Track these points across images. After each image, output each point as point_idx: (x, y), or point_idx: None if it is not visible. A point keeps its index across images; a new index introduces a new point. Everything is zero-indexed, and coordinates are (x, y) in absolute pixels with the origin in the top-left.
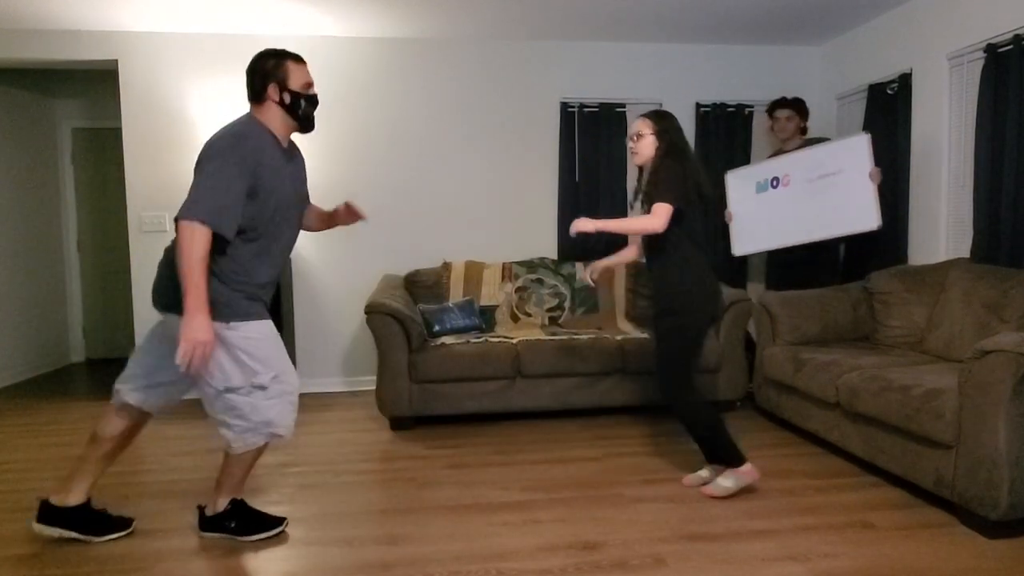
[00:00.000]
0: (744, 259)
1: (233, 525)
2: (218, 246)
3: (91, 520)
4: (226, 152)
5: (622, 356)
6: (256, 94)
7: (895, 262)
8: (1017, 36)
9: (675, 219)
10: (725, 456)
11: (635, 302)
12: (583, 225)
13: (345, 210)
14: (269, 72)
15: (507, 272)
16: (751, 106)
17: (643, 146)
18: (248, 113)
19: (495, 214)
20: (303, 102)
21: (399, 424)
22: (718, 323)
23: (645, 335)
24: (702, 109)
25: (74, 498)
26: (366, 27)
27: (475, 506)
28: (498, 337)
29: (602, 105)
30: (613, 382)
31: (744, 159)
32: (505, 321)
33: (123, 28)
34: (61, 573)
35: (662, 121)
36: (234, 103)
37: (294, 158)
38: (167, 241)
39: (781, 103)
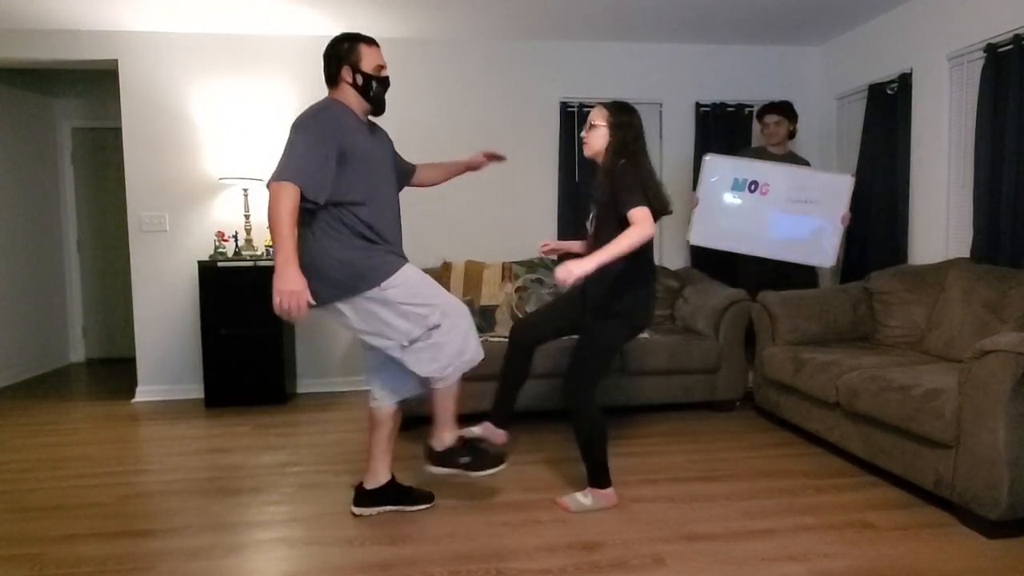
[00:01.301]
0: (739, 258)
1: (466, 460)
2: (341, 221)
3: (401, 494)
4: (307, 124)
5: (621, 356)
6: (331, 77)
7: (895, 262)
8: (1017, 36)
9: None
10: (597, 474)
11: None
12: (582, 269)
13: (484, 157)
14: (343, 55)
15: (507, 272)
16: (751, 106)
17: (594, 137)
18: (327, 96)
19: (495, 214)
20: (375, 84)
21: (399, 424)
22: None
23: (645, 335)
24: (702, 109)
25: (383, 478)
26: (366, 27)
27: (475, 506)
28: (498, 337)
29: None
30: (612, 382)
31: None
32: (505, 321)
33: (123, 28)
34: (61, 573)
35: (619, 115)
36: (234, 103)
37: (376, 132)
38: (167, 241)
39: (769, 108)
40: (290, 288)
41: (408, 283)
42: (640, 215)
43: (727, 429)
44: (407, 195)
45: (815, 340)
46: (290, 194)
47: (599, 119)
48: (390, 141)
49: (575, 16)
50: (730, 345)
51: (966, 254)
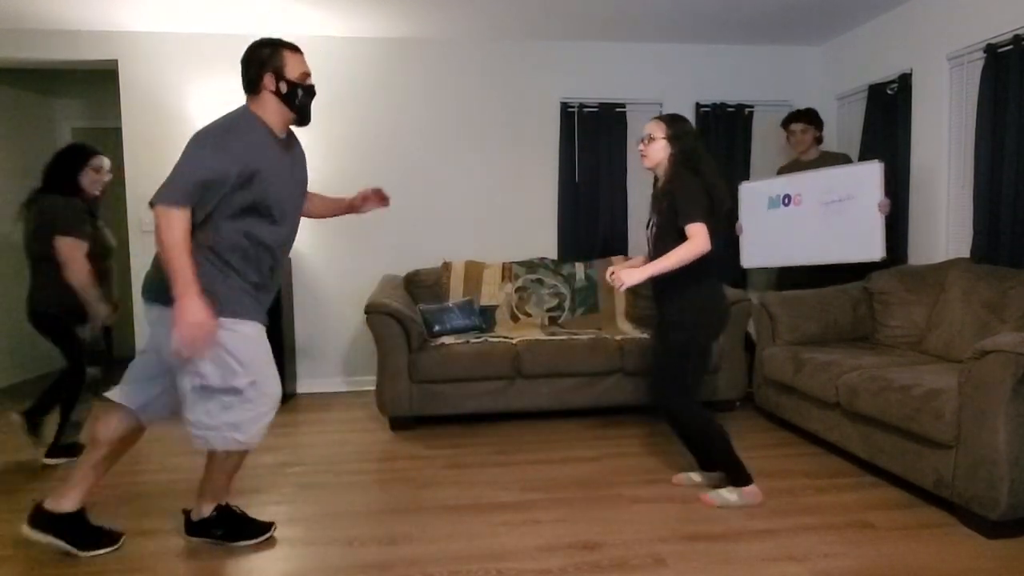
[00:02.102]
0: None
1: (220, 532)
2: (218, 236)
3: (82, 532)
4: (207, 139)
5: (622, 356)
6: (251, 84)
7: (895, 262)
8: (1017, 36)
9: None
10: (732, 473)
11: (635, 302)
12: (633, 279)
13: (371, 197)
14: (265, 61)
15: (507, 272)
16: (751, 106)
17: (654, 150)
18: (243, 106)
19: (495, 214)
20: (300, 92)
21: (399, 424)
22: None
23: (645, 335)
24: (702, 109)
25: (68, 504)
26: (366, 27)
27: (475, 506)
28: (498, 337)
29: (602, 105)
30: (613, 382)
31: (744, 159)
32: (505, 321)
33: (123, 28)
34: (60, 573)
35: (675, 125)
36: (234, 103)
37: (292, 149)
38: None
39: (795, 116)
40: (197, 320)
41: (243, 335)
42: (696, 231)
43: (727, 429)
44: (406, 195)
45: (815, 340)
46: (180, 221)
47: (657, 132)
48: (304, 159)
49: (575, 16)
50: (730, 345)
51: (966, 254)
